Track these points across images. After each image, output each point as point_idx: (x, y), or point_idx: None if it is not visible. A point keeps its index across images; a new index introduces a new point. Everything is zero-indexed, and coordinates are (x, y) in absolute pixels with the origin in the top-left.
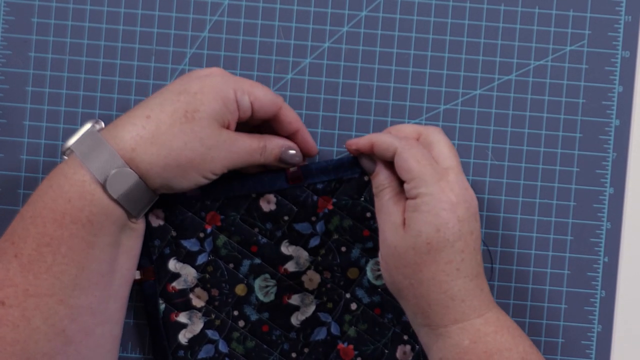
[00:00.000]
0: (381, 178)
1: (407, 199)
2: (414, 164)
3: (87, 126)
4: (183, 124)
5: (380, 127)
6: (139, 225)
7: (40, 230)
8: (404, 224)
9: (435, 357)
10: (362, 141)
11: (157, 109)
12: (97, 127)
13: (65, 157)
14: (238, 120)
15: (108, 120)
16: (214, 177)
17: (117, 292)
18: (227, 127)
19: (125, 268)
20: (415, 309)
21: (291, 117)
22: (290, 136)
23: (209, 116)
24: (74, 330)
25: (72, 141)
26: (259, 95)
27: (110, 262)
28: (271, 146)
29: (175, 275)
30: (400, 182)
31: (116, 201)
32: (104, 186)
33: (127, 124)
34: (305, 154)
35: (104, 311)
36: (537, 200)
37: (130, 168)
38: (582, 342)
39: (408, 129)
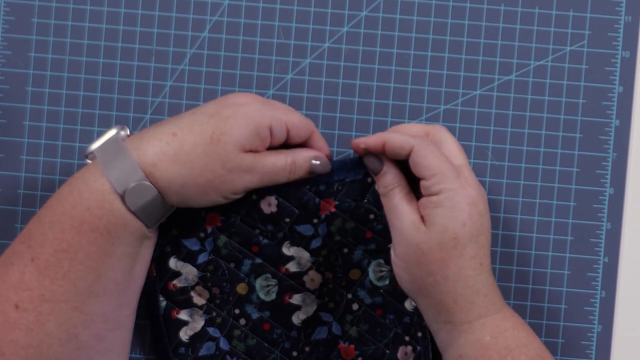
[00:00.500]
0: (389, 178)
1: (422, 196)
2: (434, 160)
3: (112, 132)
4: (207, 145)
5: (380, 127)
6: (155, 233)
7: (59, 236)
8: (423, 221)
9: (454, 355)
10: (371, 140)
11: (186, 128)
12: (123, 134)
13: (88, 161)
14: (270, 146)
15: (107, 121)
16: (235, 198)
17: (130, 299)
18: (255, 152)
19: (139, 276)
20: (439, 307)
21: (321, 143)
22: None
23: (235, 140)
24: (87, 336)
25: (95, 146)
26: (295, 122)
27: (126, 271)
28: (300, 161)
29: (176, 274)
30: (408, 181)
31: (133, 213)
32: (122, 197)
33: (153, 138)
34: None
35: (117, 317)
36: (537, 201)
37: (150, 182)
38: (582, 342)
39: (414, 128)
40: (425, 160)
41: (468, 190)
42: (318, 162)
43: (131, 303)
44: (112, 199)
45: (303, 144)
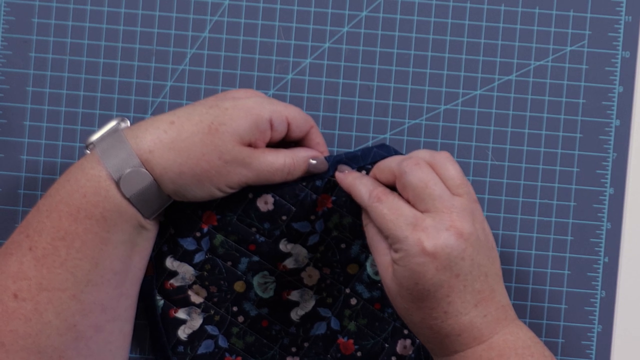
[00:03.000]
0: (364, 214)
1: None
2: (383, 223)
3: (112, 123)
4: (205, 135)
5: (380, 127)
6: (154, 226)
7: (56, 224)
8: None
9: None
10: (344, 183)
11: (184, 117)
12: (123, 125)
13: (88, 152)
14: (270, 141)
15: (108, 121)
16: (231, 192)
17: (129, 290)
18: (254, 146)
19: (138, 268)
20: (418, 338)
21: (319, 139)
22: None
23: (234, 131)
24: (85, 326)
25: (95, 137)
26: (296, 115)
27: (124, 260)
28: (299, 162)
29: (173, 273)
30: None
31: (129, 200)
32: (117, 184)
33: (151, 126)
34: None
35: (115, 308)
36: (537, 201)
37: (146, 169)
38: (582, 342)
39: (394, 160)
40: (377, 223)
41: (421, 247)
42: (315, 162)
43: (130, 295)
44: (108, 186)
45: (301, 141)
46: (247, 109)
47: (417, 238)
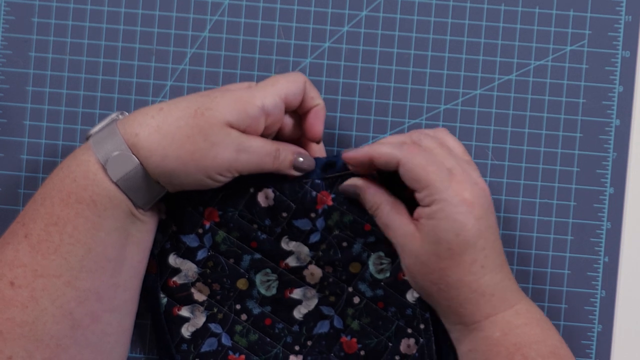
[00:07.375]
0: (369, 198)
1: (420, 206)
2: (421, 173)
3: (112, 116)
4: (190, 118)
5: (380, 127)
6: (149, 219)
7: (49, 210)
8: (417, 230)
9: (464, 349)
10: (359, 155)
11: (172, 104)
12: (121, 117)
13: None
14: (269, 130)
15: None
16: (220, 179)
17: (126, 282)
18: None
19: (136, 260)
20: (447, 311)
21: (313, 92)
22: (305, 113)
23: (220, 115)
24: (81, 314)
25: (94, 129)
26: (288, 89)
27: (117, 248)
28: (285, 152)
29: (176, 270)
30: (391, 192)
31: (117, 185)
32: (104, 168)
33: (140, 113)
34: (309, 136)
35: (112, 299)
36: (537, 200)
37: (132, 153)
38: (582, 342)
39: (400, 138)
40: (413, 174)
41: (462, 197)
42: (302, 159)
43: (129, 287)
44: (96, 169)
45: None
46: (236, 97)
47: (456, 187)
